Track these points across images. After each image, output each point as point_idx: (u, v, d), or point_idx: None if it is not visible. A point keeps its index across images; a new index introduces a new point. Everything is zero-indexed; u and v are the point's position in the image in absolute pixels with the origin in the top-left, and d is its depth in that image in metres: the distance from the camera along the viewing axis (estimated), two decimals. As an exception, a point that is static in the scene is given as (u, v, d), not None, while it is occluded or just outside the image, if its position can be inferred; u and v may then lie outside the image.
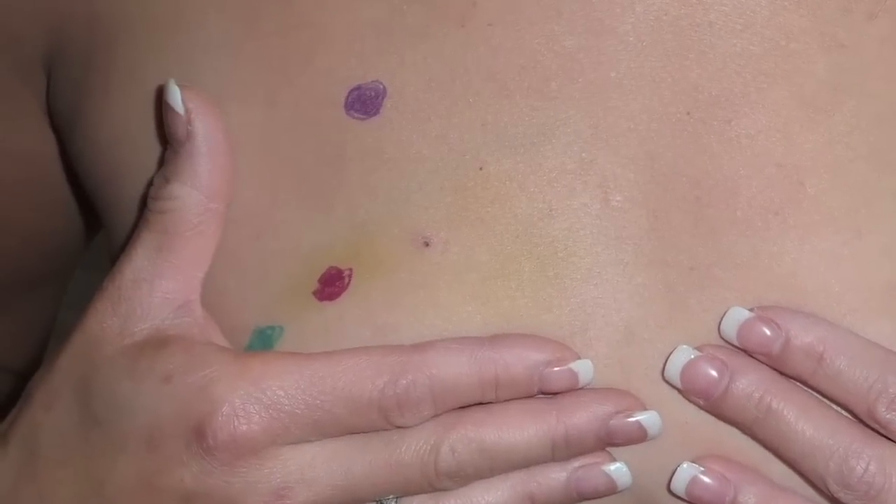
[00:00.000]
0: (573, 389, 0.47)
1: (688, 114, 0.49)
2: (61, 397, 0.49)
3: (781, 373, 0.47)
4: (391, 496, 0.47)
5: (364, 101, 0.50)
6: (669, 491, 0.48)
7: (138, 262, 0.49)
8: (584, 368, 0.47)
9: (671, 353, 0.47)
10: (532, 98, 0.49)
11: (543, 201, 0.48)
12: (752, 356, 0.47)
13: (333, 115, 0.50)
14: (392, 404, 0.46)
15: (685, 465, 0.47)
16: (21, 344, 0.73)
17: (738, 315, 0.47)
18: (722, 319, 0.47)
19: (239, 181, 0.50)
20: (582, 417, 0.47)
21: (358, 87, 0.50)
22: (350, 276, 0.48)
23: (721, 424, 0.47)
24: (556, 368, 0.47)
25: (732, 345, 0.47)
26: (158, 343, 0.48)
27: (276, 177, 0.50)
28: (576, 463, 0.48)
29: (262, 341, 0.49)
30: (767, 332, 0.46)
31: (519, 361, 0.47)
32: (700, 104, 0.49)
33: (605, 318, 0.48)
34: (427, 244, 0.48)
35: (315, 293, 0.49)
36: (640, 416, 0.47)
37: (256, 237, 0.50)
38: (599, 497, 0.48)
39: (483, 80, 0.49)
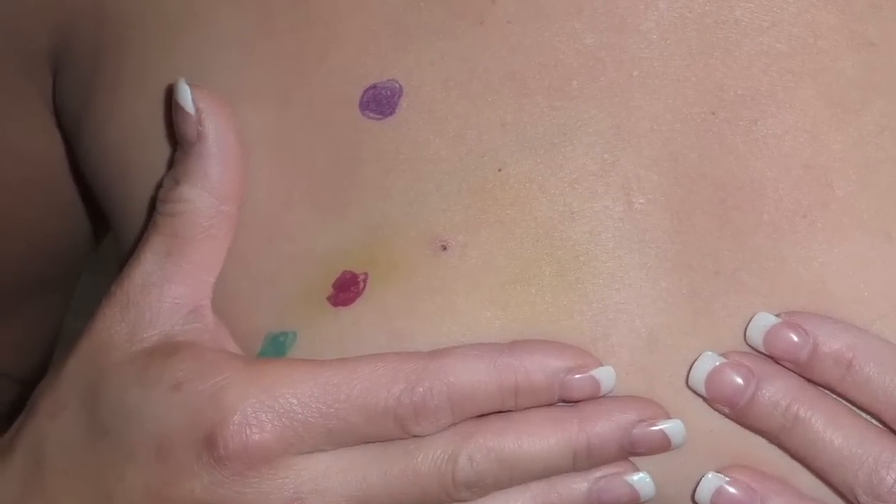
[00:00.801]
0: (595, 397, 0.46)
1: (713, 114, 0.48)
2: (68, 406, 0.48)
3: (809, 380, 0.46)
4: (407, 507, 0.46)
5: (379, 101, 0.49)
6: (694, 502, 0.47)
7: (147, 266, 0.48)
8: (606, 376, 0.46)
9: (696, 359, 0.47)
10: (553, 97, 0.48)
11: (564, 204, 0.48)
12: (779, 363, 0.46)
13: (348, 115, 0.49)
14: (408, 412, 0.45)
15: (710, 476, 0.46)
16: (26, 351, 0.72)
17: (764, 321, 0.46)
18: (748, 325, 0.47)
19: (251, 183, 0.49)
20: (604, 426, 0.46)
21: (373, 87, 0.49)
22: (365, 280, 0.48)
23: (747, 433, 0.47)
24: (577, 376, 0.46)
25: (759, 351, 0.46)
26: (168, 350, 0.47)
27: (289, 178, 0.49)
28: (597, 473, 0.47)
29: (275, 348, 0.48)
30: (795, 338, 0.46)
31: (539, 368, 0.46)
32: (725, 104, 0.48)
33: (628, 323, 0.47)
34: (444, 248, 0.48)
35: (329, 298, 0.48)
36: (664, 425, 0.46)
37: (269, 240, 0.49)
38: (622, 509, 0.47)
39: (502, 79, 0.49)
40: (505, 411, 0.46)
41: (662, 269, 0.47)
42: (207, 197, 0.48)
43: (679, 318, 0.47)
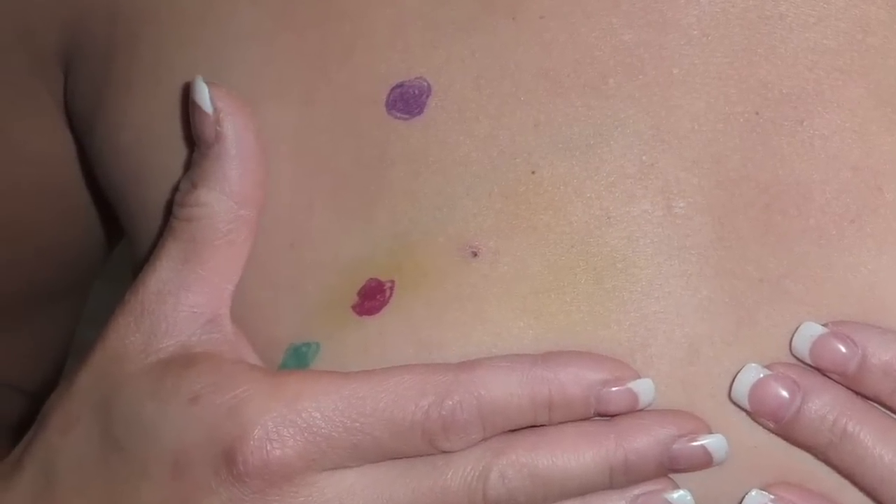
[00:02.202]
0: (633, 411, 0.45)
1: (756, 113, 0.47)
2: (80, 419, 0.47)
3: (858, 393, 0.45)
4: (436, 526, 0.45)
5: (407, 100, 0.48)
6: (737, 520, 0.46)
7: (163, 273, 0.47)
8: (644, 388, 0.45)
9: (738, 371, 0.45)
10: (588, 96, 0.47)
11: (601, 208, 0.47)
12: (825, 375, 0.45)
13: (374, 115, 0.48)
14: (437, 427, 0.44)
15: (754, 493, 0.45)
16: (37, 362, 0.72)
17: (810, 331, 0.45)
18: (793, 335, 0.45)
19: (272, 186, 0.49)
20: (642, 441, 0.45)
21: (400, 85, 0.48)
22: (392, 288, 0.47)
23: (793, 449, 0.45)
24: (614, 388, 0.45)
25: (805, 363, 0.45)
26: (185, 361, 0.46)
27: (311, 181, 0.49)
28: (636, 490, 0.45)
29: (297, 359, 0.47)
30: (842, 348, 0.44)
31: (574, 381, 0.45)
32: (770, 103, 0.47)
33: (668, 333, 0.46)
34: (475, 254, 0.47)
35: (354, 307, 0.47)
36: (705, 440, 0.45)
37: (291, 246, 0.48)
38: (661, 527, 0.46)
39: (535, 77, 0.48)
40: (538, 426, 0.45)
41: (704, 277, 0.46)
42: (226, 201, 0.47)
43: (721, 328, 0.46)
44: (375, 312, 0.47)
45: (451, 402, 0.44)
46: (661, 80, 0.47)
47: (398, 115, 0.48)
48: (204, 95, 0.47)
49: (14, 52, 0.57)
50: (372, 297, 0.47)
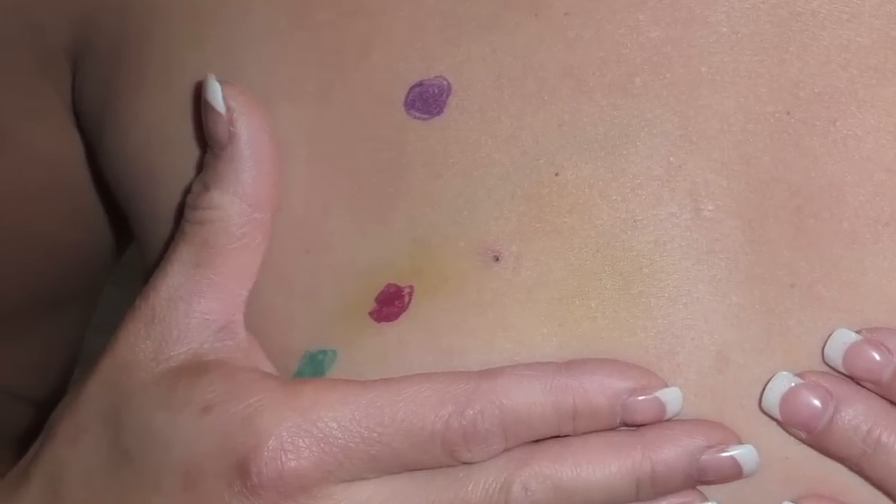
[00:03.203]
0: (660, 421, 0.44)
1: (788, 113, 0.46)
2: (88, 430, 0.47)
3: (892, 402, 0.44)
4: (457, 540, 0.45)
5: (426, 100, 0.47)
6: (768, 534, 0.45)
7: (174, 278, 0.47)
8: (672, 397, 0.44)
9: (769, 380, 0.45)
10: (614, 95, 0.46)
11: (627, 211, 0.46)
12: (859, 384, 0.44)
13: (392, 115, 0.48)
14: (458, 437, 0.43)
15: None
16: (44, 370, 0.71)
17: (843, 338, 0.44)
18: (826, 343, 0.45)
19: (287, 188, 0.48)
20: (670, 452, 0.44)
21: (419, 84, 0.48)
22: (411, 294, 0.46)
23: (825, 460, 0.45)
24: (640, 397, 0.44)
25: (838, 371, 0.44)
26: (197, 369, 0.46)
27: (328, 183, 0.48)
28: (663, 503, 0.45)
29: (313, 367, 0.46)
30: (877, 356, 0.44)
31: (600, 390, 0.44)
32: (801, 102, 0.46)
33: (696, 341, 0.45)
34: (497, 259, 0.46)
35: (372, 313, 0.46)
36: (735, 451, 0.44)
37: (306, 251, 0.48)
38: (690, 541, 0.46)
39: (559, 76, 0.47)
40: (562, 436, 0.44)
41: (733, 282, 0.45)
42: (239, 203, 0.47)
43: (751, 335, 0.45)
44: (394, 319, 0.46)
45: (472, 412, 0.43)
46: (689, 79, 0.46)
47: (417, 114, 0.47)
48: (217, 94, 0.47)
49: (21, 50, 0.56)
50: (390, 303, 0.46)
